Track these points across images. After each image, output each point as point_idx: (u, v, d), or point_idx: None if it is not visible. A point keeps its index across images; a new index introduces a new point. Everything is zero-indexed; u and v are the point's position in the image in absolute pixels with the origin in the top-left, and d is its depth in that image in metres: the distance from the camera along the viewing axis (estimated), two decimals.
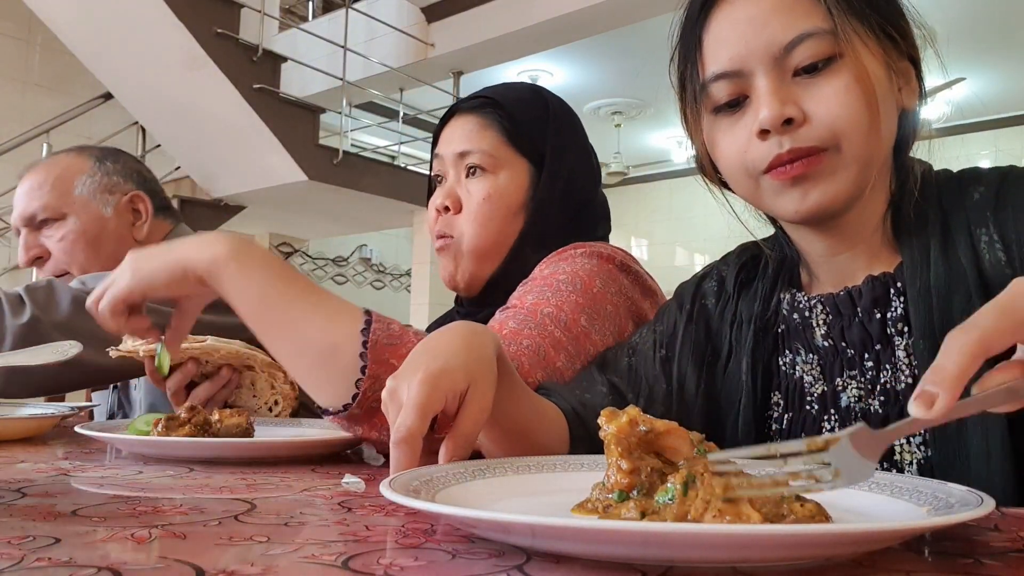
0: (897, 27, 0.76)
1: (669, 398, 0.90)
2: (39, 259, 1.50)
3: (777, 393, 0.85)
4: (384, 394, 0.66)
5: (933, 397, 0.45)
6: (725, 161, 0.79)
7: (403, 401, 0.63)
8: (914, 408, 0.45)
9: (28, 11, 5.15)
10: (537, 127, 1.18)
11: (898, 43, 0.76)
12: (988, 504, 0.46)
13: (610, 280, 1.05)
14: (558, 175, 1.17)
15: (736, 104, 0.76)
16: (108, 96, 5.48)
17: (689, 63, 0.80)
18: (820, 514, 0.48)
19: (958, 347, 0.46)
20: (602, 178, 1.29)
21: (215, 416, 1.00)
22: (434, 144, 1.23)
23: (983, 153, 7.22)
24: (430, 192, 1.23)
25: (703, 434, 0.55)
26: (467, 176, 1.16)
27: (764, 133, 0.73)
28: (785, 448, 0.47)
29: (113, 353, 1.15)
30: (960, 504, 0.47)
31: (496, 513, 0.42)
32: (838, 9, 0.73)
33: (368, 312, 0.86)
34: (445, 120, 1.21)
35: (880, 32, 0.74)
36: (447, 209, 1.16)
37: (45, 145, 5.28)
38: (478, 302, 1.19)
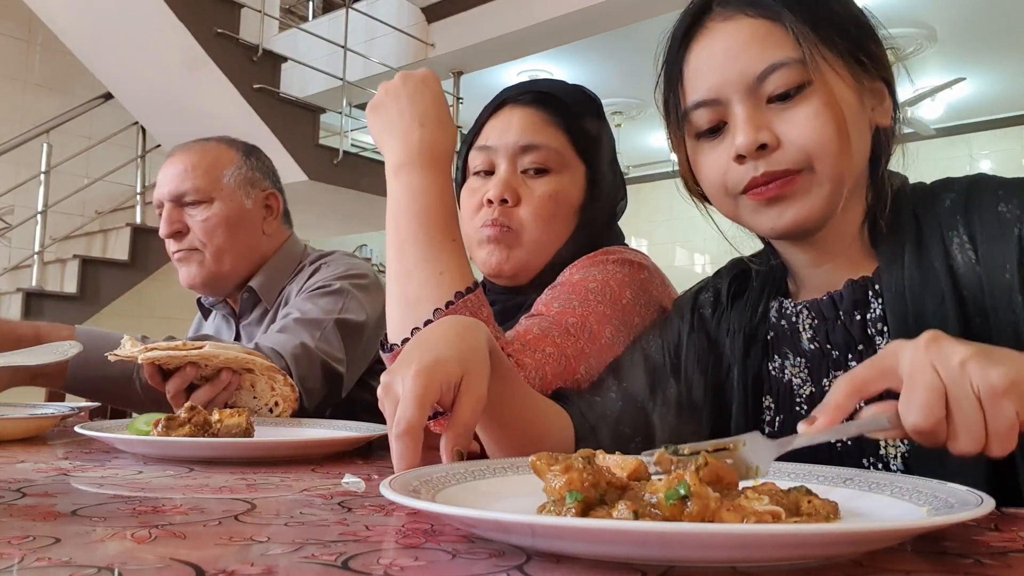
0: (867, 51, 0.80)
1: (680, 403, 0.92)
2: (178, 233, 1.58)
3: (768, 397, 0.87)
4: (380, 391, 0.66)
5: (815, 419, 0.58)
6: (707, 183, 0.84)
7: (399, 395, 0.63)
8: (800, 426, 0.58)
9: (28, 11, 5.14)
10: (594, 130, 1.17)
11: (868, 66, 0.80)
12: (988, 504, 0.46)
13: (641, 291, 1.05)
14: (610, 181, 1.17)
15: (716, 130, 0.81)
16: (108, 96, 5.48)
17: (672, 91, 0.85)
18: (836, 515, 0.48)
19: (838, 387, 0.58)
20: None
21: (215, 416, 1.00)
22: (475, 135, 1.18)
23: (983, 153, 7.22)
24: (462, 181, 1.19)
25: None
26: (527, 172, 1.12)
27: (740, 158, 0.78)
28: (691, 448, 0.59)
29: (112, 357, 1.15)
30: (960, 504, 0.47)
31: (496, 513, 0.42)
32: (807, 39, 0.77)
33: (470, 288, 0.92)
34: (492, 111, 1.17)
35: (850, 57, 0.79)
36: (503, 201, 1.11)
37: (45, 145, 5.27)
38: (511, 290, 1.17)
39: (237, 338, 1.64)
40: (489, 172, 1.15)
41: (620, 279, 1.04)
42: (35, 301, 4.90)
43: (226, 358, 1.17)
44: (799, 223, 0.78)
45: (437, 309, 0.90)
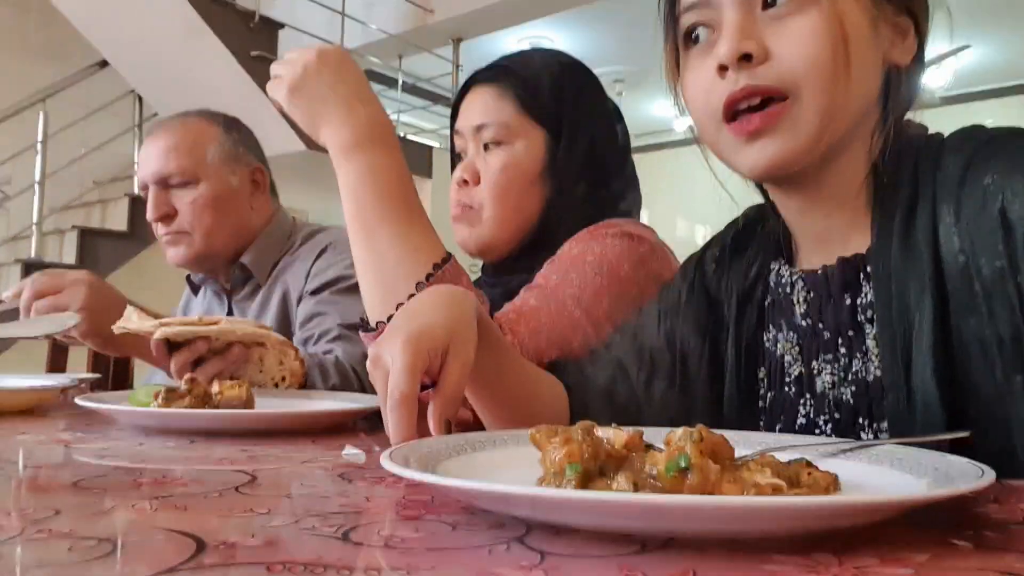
0: None
1: (673, 371, 0.89)
2: (167, 216, 1.55)
3: (763, 369, 0.83)
4: (368, 364, 0.66)
5: None
6: (691, 104, 0.77)
7: (388, 366, 0.62)
8: None
9: None
10: (553, 94, 1.15)
11: None
12: (989, 476, 0.46)
13: (640, 264, 1.04)
14: (576, 143, 1.15)
15: (706, 39, 0.74)
16: (104, 64, 5.43)
17: (667, 2, 0.78)
18: (836, 487, 0.48)
19: None
20: (630, 145, 1.26)
21: (215, 388, 1.00)
22: (453, 119, 1.21)
23: (988, 122, 7.14)
24: (453, 167, 1.22)
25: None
26: (485, 149, 1.14)
27: (723, 70, 0.71)
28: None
29: (117, 330, 1.14)
30: (960, 476, 0.47)
31: (496, 485, 0.42)
32: None
33: (445, 259, 0.91)
34: (462, 94, 1.20)
35: None
36: (466, 183, 1.15)
37: (42, 113, 5.23)
38: (505, 270, 1.18)
39: (230, 314, 1.63)
40: (462, 155, 1.18)
41: (618, 252, 1.04)
42: (34, 272, 4.89)
43: (242, 333, 1.16)
44: (781, 160, 0.71)
45: (419, 283, 0.89)
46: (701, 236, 8.68)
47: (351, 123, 0.94)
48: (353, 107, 0.94)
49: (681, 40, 0.77)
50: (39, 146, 5.25)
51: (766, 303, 0.84)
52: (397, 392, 0.60)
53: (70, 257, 5.12)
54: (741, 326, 0.84)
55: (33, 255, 5.13)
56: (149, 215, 1.56)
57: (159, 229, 1.57)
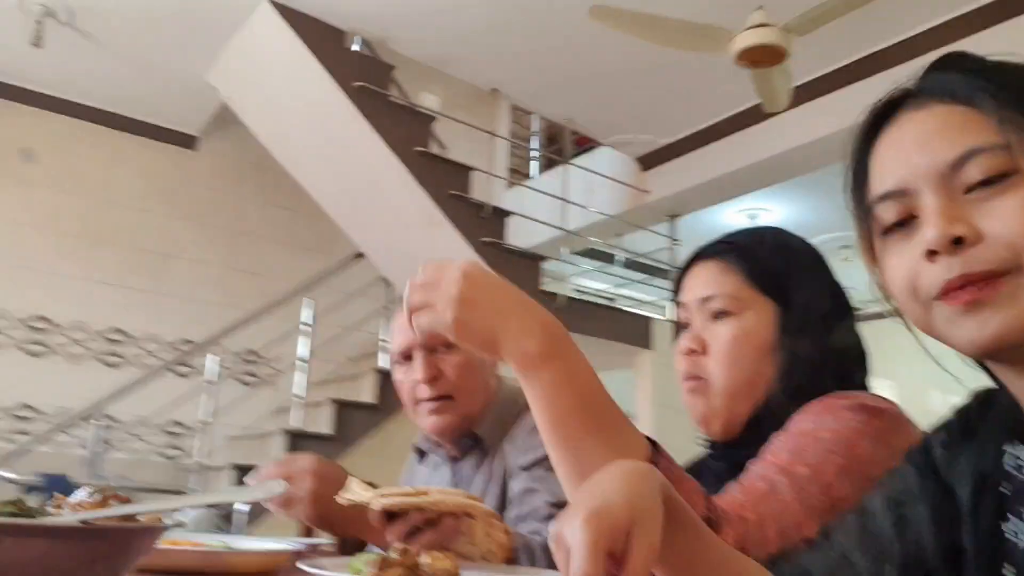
0: None
1: (905, 563, 0.81)
2: (435, 379, 1.63)
3: (1008, 566, 0.74)
4: (551, 542, 0.66)
5: None
6: (895, 286, 0.75)
7: (570, 546, 0.62)
8: None
9: (296, 184, 5.89)
10: (779, 267, 1.16)
11: None
12: None
13: (880, 442, 0.98)
14: (806, 315, 1.13)
15: (904, 224, 0.72)
16: (360, 255, 6.12)
17: (857, 188, 0.78)
18: None
19: None
20: (857, 314, 1.23)
21: (425, 559, 1.05)
22: (676, 291, 1.24)
23: None
24: (676, 339, 1.23)
25: None
26: (712, 320, 1.15)
27: (932, 254, 0.68)
28: None
29: (343, 501, 1.21)
30: None
31: None
32: (1012, 124, 0.67)
33: (655, 454, 0.89)
34: (686, 268, 1.23)
35: None
36: (693, 352, 1.15)
37: (305, 299, 5.92)
38: (733, 443, 1.16)
39: (454, 484, 1.66)
40: (687, 326, 1.19)
41: (855, 428, 0.98)
42: (296, 441, 5.34)
43: (453, 503, 1.21)
44: (1006, 335, 0.66)
45: None
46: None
47: (532, 334, 0.92)
48: (529, 317, 0.94)
49: (876, 229, 0.76)
50: (304, 328, 5.90)
51: (1005, 491, 0.76)
52: (580, 573, 0.60)
53: (326, 427, 5.51)
54: (979, 516, 0.77)
55: (295, 425, 5.58)
56: (419, 378, 1.62)
57: (423, 392, 1.63)
